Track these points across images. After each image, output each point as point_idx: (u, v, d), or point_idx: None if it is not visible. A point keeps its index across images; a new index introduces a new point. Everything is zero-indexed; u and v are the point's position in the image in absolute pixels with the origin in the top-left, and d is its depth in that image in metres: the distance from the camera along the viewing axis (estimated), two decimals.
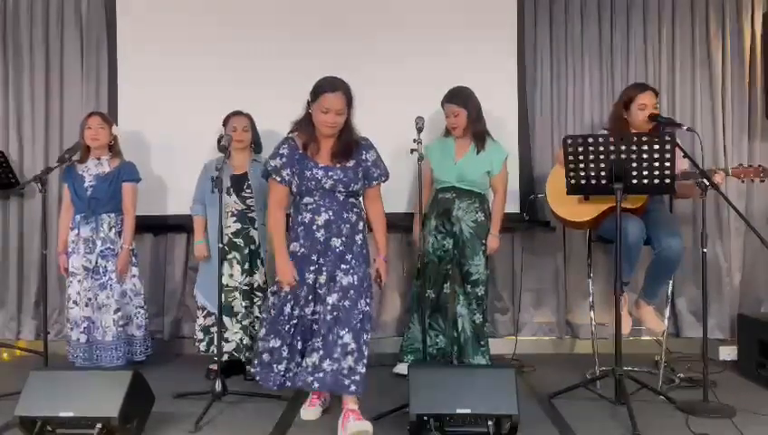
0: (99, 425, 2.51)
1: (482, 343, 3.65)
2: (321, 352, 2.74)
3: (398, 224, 3.91)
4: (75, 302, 3.61)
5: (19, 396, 2.61)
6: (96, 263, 3.61)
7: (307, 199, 2.82)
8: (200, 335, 3.64)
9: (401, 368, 3.57)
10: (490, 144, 3.64)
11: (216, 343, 3.43)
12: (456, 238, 3.61)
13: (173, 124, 4.14)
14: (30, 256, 4.30)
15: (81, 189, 3.64)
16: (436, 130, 3.79)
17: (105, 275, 3.62)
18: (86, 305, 3.59)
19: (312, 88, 2.82)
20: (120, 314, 3.62)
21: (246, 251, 3.59)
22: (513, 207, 4.13)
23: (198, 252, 3.68)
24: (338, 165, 2.82)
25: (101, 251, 3.63)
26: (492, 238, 3.63)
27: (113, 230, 3.66)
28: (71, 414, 2.54)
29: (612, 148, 2.88)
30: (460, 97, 3.60)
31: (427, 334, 3.58)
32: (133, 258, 3.72)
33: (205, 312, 3.63)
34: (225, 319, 3.50)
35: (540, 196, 3.90)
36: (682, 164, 3.20)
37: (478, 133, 3.61)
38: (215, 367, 3.46)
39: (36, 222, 4.23)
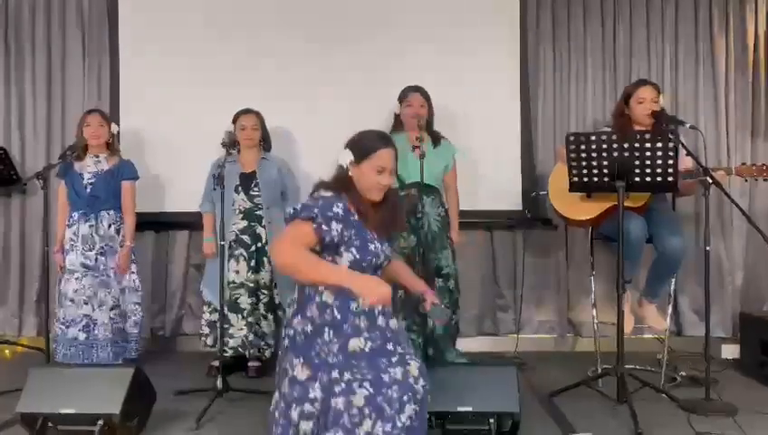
0: (100, 422, 2.51)
1: (450, 336, 3.58)
2: None
3: None
4: (72, 300, 3.59)
5: (21, 393, 2.61)
6: (96, 260, 3.62)
7: None
8: (206, 330, 3.65)
9: None
10: (443, 140, 3.69)
11: (220, 338, 3.45)
12: (420, 234, 3.50)
13: (175, 122, 4.15)
14: (32, 253, 4.30)
15: (81, 187, 3.64)
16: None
17: (105, 273, 3.62)
18: (85, 303, 3.59)
19: (353, 143, 2.21)
20: (116, 311, 3.62)
21: (253, 248, 3.58)
22: (514, 204, 4.14)
23: (207, 249, 3.69)
24: (383, 236, 2.24)
25: (101, 248, 3.63)
26: (455, 233, 3.66)
27: (112, 227, 3.67)
28: (72, 411, 2.54)
29: (615, 145, 2.87)
30: (424, 91, 3.65)
31: (408, 337, 3.55)
32: (132, 256, 3.73)
33: (211, 307, 3.64)
34: (231, 315, 3.52)
35: (542, 193, 3.89)
36: (685, 162, 3.19)
37: (433, 129, 3.67)
38: (216, 364, 3.45)
39: (38, 219, 4.22)
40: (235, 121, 3.67)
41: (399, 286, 3.51)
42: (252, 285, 3.57)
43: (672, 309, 3.62)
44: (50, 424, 2.58)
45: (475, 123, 4.08)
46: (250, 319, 3.55)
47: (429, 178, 3.53)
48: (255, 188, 3.61)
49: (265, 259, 3.60)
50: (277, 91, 4.07)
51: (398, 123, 3.69)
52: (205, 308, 3.71)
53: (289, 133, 4.14)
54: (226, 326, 3.49)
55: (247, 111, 3.68)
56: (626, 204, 2.98)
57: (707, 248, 2.98)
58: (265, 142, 3.75)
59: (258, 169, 3.63)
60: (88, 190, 3.64)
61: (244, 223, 3.60)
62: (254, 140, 3.65)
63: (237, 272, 3.56)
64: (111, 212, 3.67)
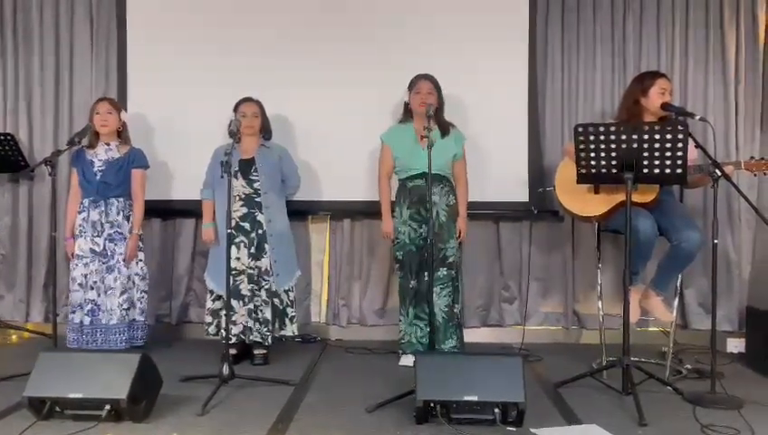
0: (107, 406, 2.53)
1: (450, 324, 3.59)
2: None
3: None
4: (81, 284, 3.63)
5: (27, 377, 2.63)
6: (104, 246, 3.64)
7: None
8: (209, 319, 3.66)
9: (405, 360, 3.56)
10: (452, 129, 3.69)
11: (224, 326, 3.44)
12: (428, 224, 3.43)
13: (181, 109, 4.14)
14: (39, 238, 4.32)
15: (91, 174, 3.67)
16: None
17: (113, 259, 3.65)
18: (91, 289, 3.62)
19: None
20: (124, 297, 3.65)
21: (253, 235, 3.59)
22: (521, 195, 4.12)
23: (206, 235, 3.70)
24: None
25: (110, 235, 3.65)
26: (463, 221, 3.66)
27: (121, 214, 3.69)
28: (80, 395, 2.56)
29: (624, 136, 2.85)
30: (434, 79, 3.65)
31: (416, 327, 3.58)
32: (140, 244, 3.75)
33: (213, 295, 3.66)
34: (233, 302, 3.52)
35: (548, 189, 3.85)
36: (692, 154, 3.17)
37: (443, 118, 3.66)
38: (233, 351, 3.47)
39: (45, 205, 4.25)
40: (236, 110, 3.68)
41: (410, 278, 3.55)
42: (252, 271, 3.58)
43: (678, 302, 3.61)
44: (57, 408, 2.60)
45: (482, 112, 4.06)
46: (251, 306, 3.57)
47: (438, 167, 3.53)
48: (255, 174, 3.61)
49: (266, 245, 3.60)
50: (281, 79, 4.06)
51: (408, 112, 3.69)
52: (208, 296, 3.71)
53: (292, 121, 4.14)
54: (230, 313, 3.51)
55: (248, 100, 3.69)
56: (635, 199, 2.96)
57: (716, 241, 2.96)
58: (266, 131, 3.75)
59: (258, 156, 3.64)
60: (98, 177, 3.66)
61: (244, 210, 3.60)
62: (254, 127, 3.65)
63: (238, 259, 3.57)
64: (121, 199, 3.70)
